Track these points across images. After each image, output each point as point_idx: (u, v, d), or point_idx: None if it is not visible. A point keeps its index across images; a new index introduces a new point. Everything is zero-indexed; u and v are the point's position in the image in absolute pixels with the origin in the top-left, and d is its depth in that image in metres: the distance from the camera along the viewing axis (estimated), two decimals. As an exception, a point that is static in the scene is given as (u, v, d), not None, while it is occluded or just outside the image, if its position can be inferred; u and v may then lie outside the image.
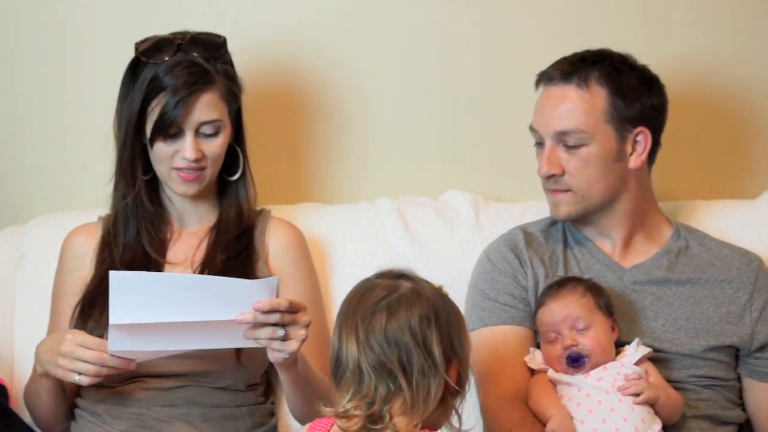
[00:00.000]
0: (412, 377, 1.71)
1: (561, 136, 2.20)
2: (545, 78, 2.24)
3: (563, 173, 2.21)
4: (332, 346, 1.77)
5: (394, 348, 1.71)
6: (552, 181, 2.22)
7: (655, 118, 2.24)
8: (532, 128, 2.25)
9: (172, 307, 1.89)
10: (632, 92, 2.20)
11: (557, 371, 2.10)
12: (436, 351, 1.72)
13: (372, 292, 1.77)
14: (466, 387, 1.80)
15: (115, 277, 1.88)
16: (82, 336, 1.98)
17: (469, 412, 2.28)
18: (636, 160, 2.22)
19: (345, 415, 1.73)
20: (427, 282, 1.80)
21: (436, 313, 1.75)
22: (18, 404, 2.22)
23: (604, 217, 2.26)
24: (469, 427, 1.80)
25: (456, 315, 1.80)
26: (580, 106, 2.18)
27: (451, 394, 1.77)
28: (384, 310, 1.73)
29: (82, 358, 1.95)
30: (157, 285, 1.90)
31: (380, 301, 1.74)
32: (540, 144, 2.25)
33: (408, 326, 1.72)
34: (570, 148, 2.20)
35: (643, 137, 2.22)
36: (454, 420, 1.79)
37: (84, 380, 1.96)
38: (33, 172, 2.57)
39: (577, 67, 2.21)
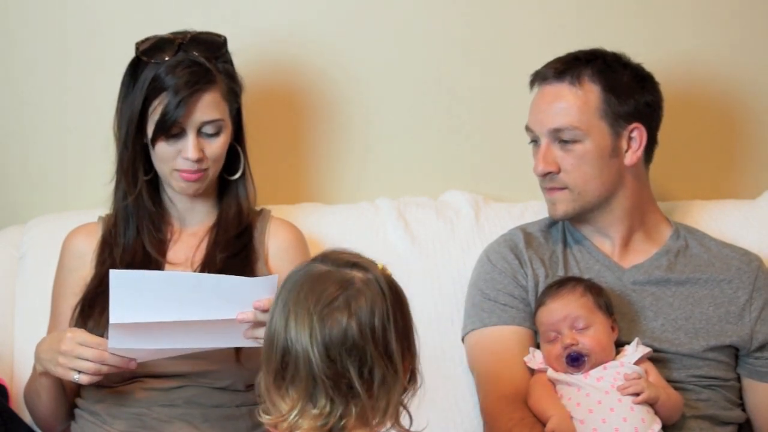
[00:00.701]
0: (373, 389, 1.56)
1: (556, 134, 2.21)
2: (539, 78, 2.26)
3: (559, 171, 2.22)
4: (274, 332, 1.59)
5: (356, 358, 1.55)
6: (548, 179, 2.23)
7: (649, 114, 2.25)
8: (527, 128, 2.27)
9: (172, 306, 1.89)
10: (626, 89, 2.22)
11: (557, 371, 2.11)
12: (396, 354, 1.57)
13: (324, 284, 1.59)
14: (419, 381, 1.64)
15: (115, 275, 1.88)
16: (82, 334, 1.98)
17: (469, 412, 2.29)
18: (631, 156, 2.23)
19: (289, 428, 1.57)
20: (373, 264, 1.64)
21: (393, 306, 1.59)
22: (18, 404, 2.22)
23: (602, 215, 2.26)
24: (420, 428, 1.63)
25: (403, 299, 1.64)
26: (574, 103, 2.20)
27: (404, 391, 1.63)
28: (343, 309, 1.56)
29: (81, 356, 1.95)
30: (156, 284, 1.90)
31: (336, 298, 1.57)
32: (535, 142, 2.26)
33: (370, 329, 1.56)
34: (565, 145, 2.20)
35: (638, 133, 2.22)
36: (404, 419, 1.64)
37: (83, 379, 1.96)
38: (33, 172, 2.57)
39: (570, 66, 2.23)
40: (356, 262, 1.62)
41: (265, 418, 1.60)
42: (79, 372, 1.95)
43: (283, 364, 1.57)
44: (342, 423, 1.56)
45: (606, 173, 2.22)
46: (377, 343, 1.56)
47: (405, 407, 1.62)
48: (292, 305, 1.58)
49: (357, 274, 1.60)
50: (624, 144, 2.22)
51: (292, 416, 1.56)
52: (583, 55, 2.25)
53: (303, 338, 1.55)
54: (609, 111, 2.20)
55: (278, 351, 1.58)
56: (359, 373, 1.55)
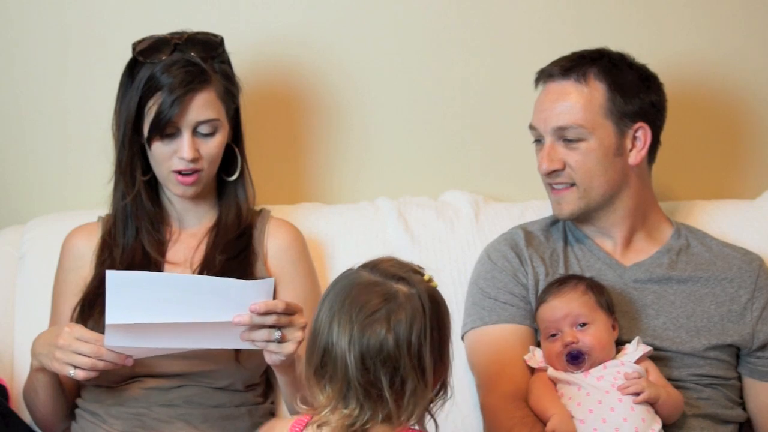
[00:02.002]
0: (403, 399, 1.64)
1: (560, 132, 2.21)
2: (545, 75, 2.26)
3: (564, 168, 2.21)
4: (319, 331, 1.68)
5: (389, 369, 1.63)
6: (554, 176, 2.23)
7: (654, 114, 2.25)
8: (531, 126, 2.26)
9: (168, 308, 1.89)
10: (631, 88, 2.22)
11: (557, 369, 2.10)
12: (428, 368, 1.65)
13: (367, 295, 1.67)
14: (449, 392, 1.73)
15: (112, 276, 1.88)
16: (80, 329, 1.98)
17: (469, 411, 2.29)
18: (636, 155, 2.23)
19: (321, 422, 1.67)
20: (419, 274, 1.72)
21: (431, 321, 1.67)
22: (18, 404, 2.22)
23: (606, 215, 2.26)
24: None
25: (445, 314, 1.72)
26: (579, 101, 2.20)
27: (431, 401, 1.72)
28: (383, 322, 1.64)
29: (78, 351, 1.95)
30: (153, 285, 1.90)
31: (378, 310, 1.65)
32: (539, 141, 2.26)
33: (407, 344, 1.63)
34: (569, 143, 2.20)
35: (642, 133, 2.22)
36: (430, 425, 1.73)
37: (79, 374, 1.96)
38: (33, 172, 2.57)
39: (576, 64, 2.23)
40: (403, 276, 1.69)
41: (302, 408, 1.71)
42: (75, 367, 1.95)
43: (323, 361, 1.66)
44: (367, 425, 1.65)
45: (611, 171, 2.22)
46: (412, 356, 1.63)
47: (432, 415, 1.72)
48: (338, 309, 1.67)
49: (402, 288, 1.68)
50: (629, 143, 2.22)
51: (324, 411, 1.66)
52: (588, 54, 2.26)
53: (343, 343, 1.64)
54: (614, 110, 2.20)
55: (320, 348, 1.67)
56: (390, 383, 1.63)
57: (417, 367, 1.64)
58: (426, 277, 1.72)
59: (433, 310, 1.68)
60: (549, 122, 2.22)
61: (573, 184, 2.23)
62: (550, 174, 2.23)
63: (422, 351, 1.64)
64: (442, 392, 1.72)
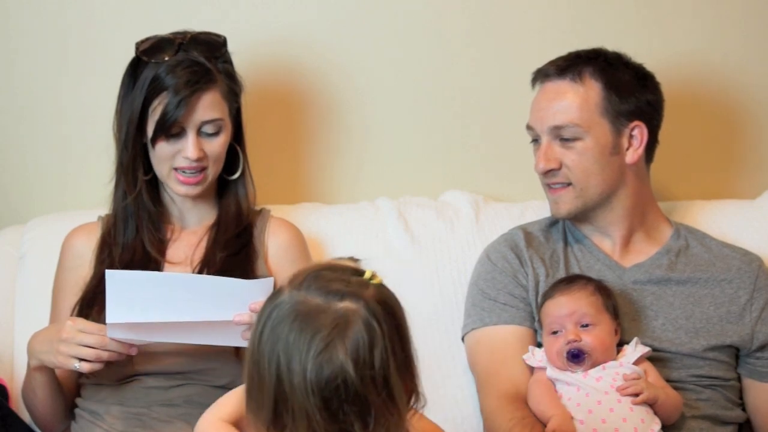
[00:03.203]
0: (370, 428, 1.44)
1: (556, 131, 2.21)
2: (541, 75, 2.27)
3: (561, 167, 2.22)
4: (264, 377, 1.45)
5: (354, 403, 1.43)
6: (550, 175, 2.23)
7: (650, 113, 2.25)
8: (528, 126, 2.27)
9: (168, 307, 1.90)
10: (627, 87, 2.22)
11: (556, 366, 2.10)
12: (398, 392, 1.45)
13: (313, 324, 1.44)
14: (422, 401, 1.52)
15: (111, 275, 1.89)
16: (82, 322, 1.99)
17: (469, 411, 2.29)
18: (633, 154, 2.23)
19: None
20: (358, 275, 1.50)
21: (390, 334, 1.46)
22: (18, 404, 2.22)
23: (603, 214, 2.27)
24: None
25: (401, 316, 1.51)
26: (575, 100, 2.21)
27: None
28: (339, 354, 1.42)
29: (83, 343, 1.95)
30: (152, 284, 1.91)
31: (330, 342, 1.42)
32: (536, 141, 2.26)
33: (370, 377, 1.43)
34: (566, 142, 2.21)
35: (639, 132, 2.23)
36: None
37: (84, 366, 1.96)
38: (33, 172, 2.57)
39: (571, 63, 2.24)
40: (345, 291, 1.47)
41: None
42: (80, 360, 1.96)
43: (276, 412, 1.45)
44: None
45: (608, 171, 2.22)
46: (379, 389, 1.43)
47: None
48: (282, 349, 1.44)
49: (349, 306, 1.46)
50: (625, 142, 2.23)
51: None
52: (584, 54, 2.26)
53: (299, 388, 1.43)
54: (610, 108, 2.21)
55: (269, 398, 1.45)
56: (362, 423, 1.44)
57: (387, 399, 1.44)
58: (367, 276, 1.50)
59: (389, 323, 1.47)
60: (545, 122, 2.22)
61: (569, 184, 2.23)
62: (547, 173, 2.24)
63: (388, 377, 1.44)
64: (415, 401, 1.51)
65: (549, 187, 2.26)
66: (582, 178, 2.22)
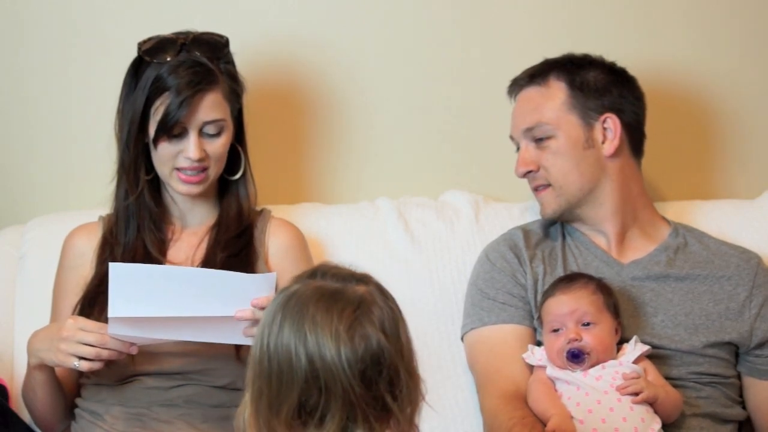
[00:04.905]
0: (404, 404, 1.48)
1: (529, 133, 2.26)
2: (516, 86, 2.32)
3: (539, 169, 2.26)
4: (285, 364, 1.45)
5: (387, 374, 1.46)
6: (531, 178, 2.27)
7: (622, 105, 2.27)
8: (510, 136, 2.32)
9: (171, 301, 1.90)
10: (593, 82, 2.26)
11: (556, 364, 2.10)
12: (416, 364, 1.51)
13: (337, 304, 1.48)
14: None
15: (115, 268, 1.89)
16: (83, 320, 1.99)
17: (469, 411, 2.29)
18: (609, 146, 2.25)
19: None
20: (362, 273, 1.55)
21: (400, 313, 1.53)
22: (18, 404, 2.22)
23: (593, 211, 2.28)
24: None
25: (398, 309, 1.54)
26: (540, 101, 2.26)
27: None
28: (369, 327, 1.46)
29: (83, 341, 1.95)
30: (156, 277, 1.91)
31: (356, 318, 1.46)
32: (518, 149, 2.30)
33: (398, 346, 1.47)
34: (540, 143, 2.25)
35: (612, 122, 2.25)
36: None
37: (84, 365, 1.96)
38: (34, 172, 2.57)
39: (538, 69, 2.30)
40: (354, 276, 1.53)
41: None
42: (80, 358, 1.96)
43: (304, 397, 1.44)
44: None
45: (584, 165, 2.24)
46: (404, 356, 1.48)
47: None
48: (309, 330, 1.45)
49: (362, 289, 1.51)
50: (599, 135, 2.25)
51: None
52: (553, 59, 2.31)
53: (335, 363, 1.43)
54: (577, 104, 2.24)
55: (296, 384, 1.44)
56: (392, 392, 1.46)
57: (412, 372, 1.49)
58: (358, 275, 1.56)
59: (395, 303, 1.53)
60: (518, 126, 2.29)
61: (549, 185, 2.26)
62: (526, 176, 2.28)
63: (411, 352, 1.50)
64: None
65: (534, 190, 2.30)
66: (559, 177, 2.24)
